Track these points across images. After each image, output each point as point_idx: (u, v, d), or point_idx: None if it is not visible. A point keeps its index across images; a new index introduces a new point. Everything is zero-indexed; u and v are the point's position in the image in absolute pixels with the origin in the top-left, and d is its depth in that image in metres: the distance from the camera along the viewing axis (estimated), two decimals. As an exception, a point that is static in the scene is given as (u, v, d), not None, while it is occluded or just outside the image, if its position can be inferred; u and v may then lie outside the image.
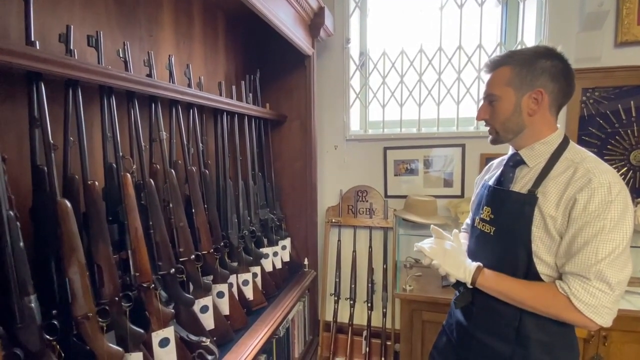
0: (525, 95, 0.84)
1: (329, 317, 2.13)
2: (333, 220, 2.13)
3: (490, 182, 0.98)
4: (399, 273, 1.88)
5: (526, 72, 0.83)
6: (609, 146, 1.83)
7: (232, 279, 1.42)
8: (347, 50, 2.05)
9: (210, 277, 1.31)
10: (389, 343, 2.02)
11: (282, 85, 1.92)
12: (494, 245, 0.90)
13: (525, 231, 0.83)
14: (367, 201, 2.11)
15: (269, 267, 1.72)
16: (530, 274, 0.84)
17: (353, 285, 2.07)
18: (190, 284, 1.23)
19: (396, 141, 2.07)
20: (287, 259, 1.89)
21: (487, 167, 1.10)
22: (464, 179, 2.01)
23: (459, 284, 0.95)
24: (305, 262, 2.00)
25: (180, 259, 1.18)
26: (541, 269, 0.83)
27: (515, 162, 0.91)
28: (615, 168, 1.85)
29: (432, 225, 1.07)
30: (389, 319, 2.03)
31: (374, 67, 2.08)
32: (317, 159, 2.02)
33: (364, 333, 2.05)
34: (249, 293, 1.50)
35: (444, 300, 1.64)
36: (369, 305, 2.04)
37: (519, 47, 1.89)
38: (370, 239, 2.09)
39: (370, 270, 2.07)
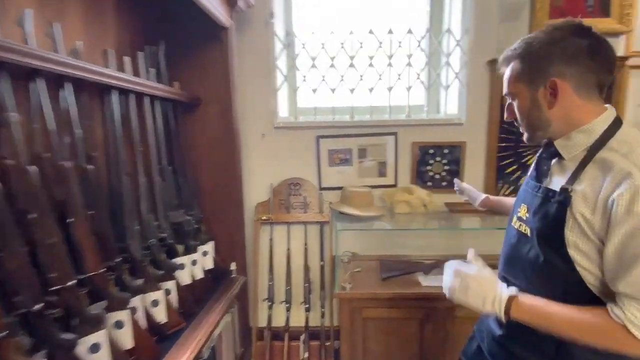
0: (540, 88, 0.74)
1: (262, 324, 1.93)
2: (263, 218, 1.91)
3: (529, 177, 0.88)
4: (337, 269, 1.76)
5: (535, 62, 0.74)
6: (521, 144, 1.94)
7: (136, 301, 1.14)
8: (272, 25, 1.82)
9: (104, 304, 1.01)
10: (328, 343, 1.90)
11: (195, 62, 1.62)
12: (530, 249, 0.78)
13: (557, 235, 0.71)
14: (300, 194, 1.94)
15: (186, 280, 1.44)
16: (570, 283, 0.72)
17: (288, 287, 1.90)
18: (73, 318, 0.92)
19: (329, 129, 1.92)
20: (210, 266, 1.63)
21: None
22: (397, 168, 1.97)
23: None
24: (233, 267, 1.76)
25: (53, 288, 0.87)
26: (585, 276, 0.71)
27: (550, 153, 0.80)
28: (529, 154, 1.98)
29: (469, 250, 0.94)
30: (328, 318, 1.91)
31: (302, 47, 1.89)
32: (241, 149, 1.77)
33: (302, 336, 1.90)
34: (160, 315, 1.23)
35: (384, 294, 1.57)
36: (307, 306, 1.89)
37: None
38: (306, 235, 1.93)
39: (307, 269, 1.92)
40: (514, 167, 1.98)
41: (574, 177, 0.72)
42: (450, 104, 1.99)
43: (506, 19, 1.84)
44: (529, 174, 0.91)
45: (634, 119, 1.93)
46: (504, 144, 1.95)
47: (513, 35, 1.93)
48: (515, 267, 0.84)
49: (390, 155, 1.95)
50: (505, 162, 1.97)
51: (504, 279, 0.86)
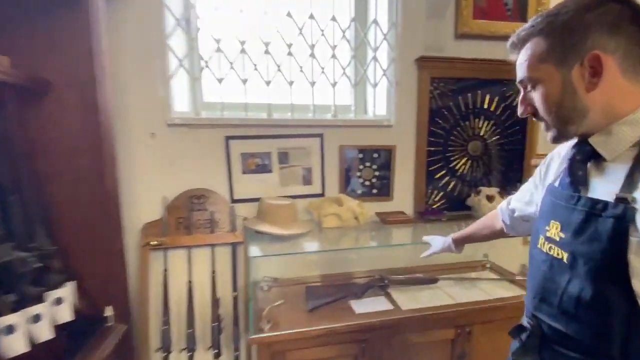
0: (576, 65, 0.59)
1: (156, 381, 1.48)
2: (153, 243, 1.47)
3: (556, 184, 0.71)
4: (252, 303, 1.41)
5: (567, 35, 0.59)
6: (452, 137, 1.85)
7: None
8: (162, -6, 1.42)
9: None
10: (244, 394, 1.54)
11: (38, 32, 1.14)
12: (571, 280, 0.61)
13: (617, 261, 0.54)
14: (206, 209, 1.55)
15: (18, 348, 0.95)
16: (633, 323, 0.55)
17: (191, 330, 1.48)
18: None
19: (241, 129, 1.58)
20: (67, 318, 1.14)
21: (549, 156, 0.82)
22: (324, 175, 1.71)
23: (519, 330, 0.72)
24: (108, 312, 1.29)
25: None
26: None
27: (585, 154, 0.63)
28: (456, 159, 1.91)
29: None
30: (244, 361, 1.55)
31: (201, 26, 1.52)
32: (119, 154, 1.32)
33: (210, 391, 1.50)
34: None
35: (311, 332, 1.27)
36: (215, 351, 1.50)
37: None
38: (213, 261, 1.55)
39: (215, 303, 1.53)
40: (443, 172, 1.88)
41: (631, 181, 0.56)
42: (379, 104, 1.81)
43: (432, 16, 1.73)
44: (554, 180, 0.74)
45: (546, 124, 1.99)
46: (432, 148, 1.84)
47: (439, 34, 1.87)
48: (550, 304, 0.66)
49: (315, 160, 1.69)
50: (434, 167, 1.86)
51: (534, 318, 0.70)
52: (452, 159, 1.88)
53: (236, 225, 1.57)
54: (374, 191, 1.80)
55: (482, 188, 1.76)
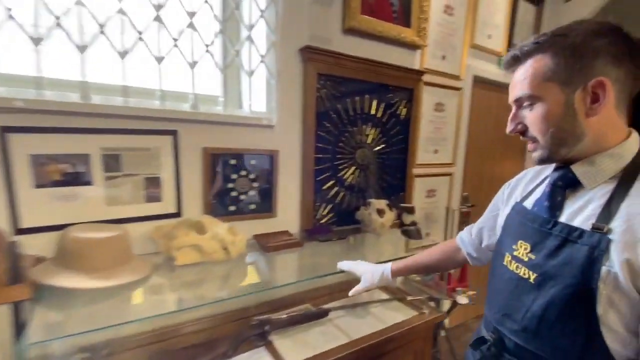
0: (578, 89, 0.59)
1: None
2: None
3: (527, 204, 0.73)
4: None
5: (575, 57, 0.58)
6: (340, 143, 1.63)
7: None
8: None
9: None
10: None
11: None
12: (535, 300, 0.62)
13: (586, 287, 0.56)
14: (-44, 251, 0.88)
15: None
16: (593, 347, 0.57)
17: None
18: None
19: (32, 116, 0.98)
20: None
21: (522, 175, 0.84)
22: (180, 188, 1.24)
23: (480, 342, 0.75)
24: None
25: None
26: (610, 342, 0.56)
27: (568, 181, 0.64)
28: (344, 167, 1.70)
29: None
30: None
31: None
32: None
33: None
34: None
35: None
36: None
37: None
38: (-32, 340, 0.89)
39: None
40: (332, 182, 1.64)
41: (608, 213, 0.58)
42: (257, 98, 1.45)
43: (318, 1, 1.48)
44: (523, 199, 0.76)
45: (425, 134, 1.99)
46: (320, 155, 1.58)
47: (326, 24, 1.63)
48: (514, 320, 0.68)
49: (166, 167, 1.20)
50: (322, 177, 1.61)
51: (497, 331, 0.72)
52: (340, 167, 1.66)
53: (21, 272, 0.94)
54: (252, 207, 1.42)
55: (371, 201, 1.59)
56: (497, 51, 2.25)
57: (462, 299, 1.83)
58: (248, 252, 1.26)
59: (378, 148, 1.77)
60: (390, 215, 1.51)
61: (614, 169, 0.60)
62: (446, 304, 1.70)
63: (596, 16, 2.47)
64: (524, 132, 0.67)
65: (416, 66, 1.84)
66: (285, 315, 1.24)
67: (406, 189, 1.93)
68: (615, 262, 0.54)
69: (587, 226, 0.59)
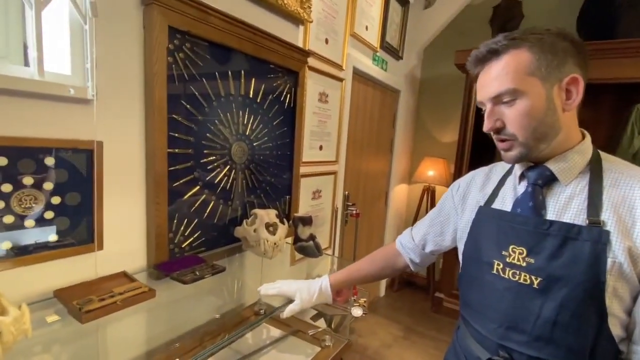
0: (555, 85, 0.60)
1: None
2: None
3: (500, 206, 0.70)
4: None
5: (551, 54, 0.59)
6: (208, 134, 1.18)
7: None
8: None
9: None
10: None
11: None
12: (544, 304, 0.60)
13: (595, 281, 0.56)
14: None
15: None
16: (601, 339, 0.58)
17: None
18: None
19: None
20: None
21: (468, 179, 0.81)
22: None
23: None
24: None
25: None
26: (613, 328, 0.58)
27: (545, 179, 0.64)
28: (216, 168, 1.24)
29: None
30: None
31: None
32: None
33: None
34: None
35: None
36: None
37: None
38: None
39: None
40: (196, 187, 1.16)
41: (593, 206, 0.59)
42: (57, 52, 0.85)
43: None
44: (489, 201, 0.73)
45: (310, 127, 1.72)
46: (177, 150, 1.09)
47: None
48: (522, 332, 0.62)
49: None
50: (181, 182, 1.11)
51: (503, 348, 0.65)
52: (209, 168, 1.20)
53: None
54: (52, 239, 0.82)
55: (257, 212, 1.19)
56: (373, 45, 2.19)
57: (357, 311, 1.64)
58: (39, 327, 0.68)
59: (259, 142, 1.39)
60: (282, 231, 1.15)
61: (581, 165, 0.63)
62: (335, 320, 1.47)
63: (447, 25, 2.74)
64: (499, 129, 0.64)
65: (300, 44, 1.54)
66: None
67: (292, 192, 1.61)
68: (618, 252, 0.56)
69: (580, 222, 0.60)
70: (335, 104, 1.90)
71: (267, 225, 1.12)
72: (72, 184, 0.85)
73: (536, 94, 0.60)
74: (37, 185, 0.79)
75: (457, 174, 2.64)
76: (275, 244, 1.09)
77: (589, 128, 0.69)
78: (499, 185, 0.73)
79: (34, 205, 0.79)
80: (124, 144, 0.95)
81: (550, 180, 0.64)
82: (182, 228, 1.13)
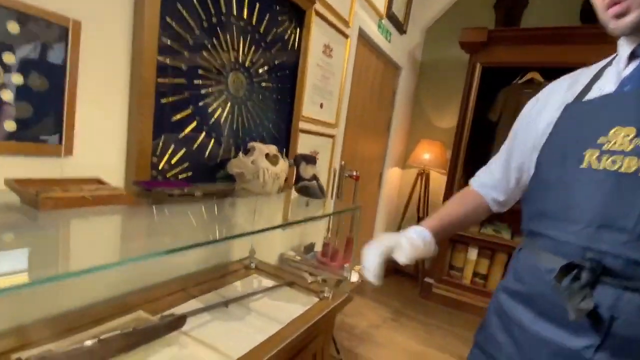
0: None
1: None
2: None
3: (604, 91, 0.59)
4: None
5: None
6: (203, 53, 1.04)
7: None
8: None
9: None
10: None
11: None
12: None
13: None
14: None
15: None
16: None
17: None
18: None
19: None
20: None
21: (548, 90, 0.70)
22: None
23: (567, 269, 0.55)
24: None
25: None
26: None
27: None
28: (210, 96, 1.11)
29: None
30: None
31: None
32: None
33: None
34: None
35: None
36: None
37: None
38: None
39: None
40: (187, 111, 1.03)
41: None
42: None
43: None
44: (587, 95, 0.62)
45: (313, 80, 1.60)
46: (168, 61, 0.95)
47: None
48: (620, 230, 0.53)
49: None
50: (170, 100, 0.98)
51: (588, 251, 0.55)
52: (203, 93, 1.06)
53: None
54: (9, 127, 0.67)
55: (255, 144, 1.06)
56: (379, 10, 2.10)
57: (354, 276, 1.53)
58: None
59: (258, 79, 1.26)
60: (284, 165, 1.03)
61: None
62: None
63: (451, 7, 2.69)
64: None
65: (308, -18, 1.43)
66: (96, 340, 0.58)
67: (290, 144, 1.49)
68: None
69: None
70: (339, 62, 1.79)
71: (267, 156, 0.99)
72: (39, 64, 0.70)
73: None
74: (-6, 58, 0.65)
75: (455, 159, 2.58)
76: (276, 174, 0.96)
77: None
78: (593, 79, 0.63)
79: (-12, 79, 0.64)
80: (107, 34, 0.81)
81: None
82: (167, 155, 0.99)
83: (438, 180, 2.99)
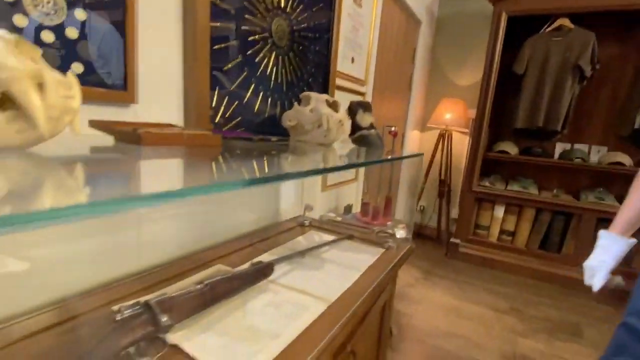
0: None
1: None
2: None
3: None
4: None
5: None
6: (246, 15, 0.96)
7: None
8: None
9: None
10: None
11: None
12: None
13: None
14: None
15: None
16: None
17: None
18: None
19: None
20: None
21: None
22: None
23: None
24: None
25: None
26: None
27: None
28: (256, 45, 1.04)
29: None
30: None
31: None
32: None
33: None
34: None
35: None
36: None
37: None
38: None
39: None
40: (237, 60, 0.96)
41: None
42: None
43: None
44: None
45: (344, 31, 1.51)
46: (217, 1, 0.87)
47: None
48: None
49: None
50: (221, 46, 0.91)
51: None
52: (250, 41, 0.99)
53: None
54: (76, 68, 0.62)
55: (308, 94, 1.00)
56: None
57: (400, 232, 1.50)
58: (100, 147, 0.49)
59: (298, 27, 1.18)
60: (344, 113, 0.98)
61: None
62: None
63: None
64: None
65: None
66: (199, 286, 0.56)
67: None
68: None
69: None
70: (368, 11, 1.69)
71: (327, 102, 0.94)
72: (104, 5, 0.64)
73: None
74: (56, -11, 0.58)
75: (480, 116, 2.51)
76: (340, 121, 0.91)
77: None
78: None
79: (51, 12, 0.58)
80: (160, -31, 0.73)
81: None
82: (222, 108, 0.94)
83: (460, 142, 2.93)
